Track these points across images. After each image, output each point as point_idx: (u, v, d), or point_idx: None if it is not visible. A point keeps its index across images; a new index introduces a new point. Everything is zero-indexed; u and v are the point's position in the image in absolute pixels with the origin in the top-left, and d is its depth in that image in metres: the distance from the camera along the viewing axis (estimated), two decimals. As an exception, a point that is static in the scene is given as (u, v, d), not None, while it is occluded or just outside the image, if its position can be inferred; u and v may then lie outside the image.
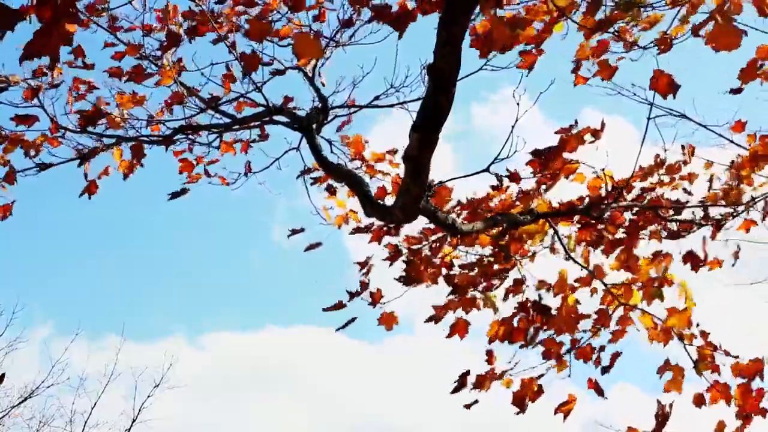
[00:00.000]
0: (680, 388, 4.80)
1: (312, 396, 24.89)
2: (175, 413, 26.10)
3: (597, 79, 4.39)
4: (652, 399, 3.83)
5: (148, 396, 17.08)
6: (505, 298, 5.15)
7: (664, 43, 4.35)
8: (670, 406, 3.48)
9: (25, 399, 16.14)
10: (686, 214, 5.24)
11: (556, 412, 4.87)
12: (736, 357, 4.69)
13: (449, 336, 5.12)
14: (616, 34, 4.28)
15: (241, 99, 5.12)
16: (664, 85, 3.97)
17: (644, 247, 5.22)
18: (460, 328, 5.13)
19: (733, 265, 5.29)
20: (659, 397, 4.52)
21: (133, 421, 16.74)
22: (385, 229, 5.33)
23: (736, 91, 4.82)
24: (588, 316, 5.06)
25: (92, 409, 16.69)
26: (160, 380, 17.24)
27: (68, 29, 2.94)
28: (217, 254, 30.18)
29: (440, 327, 5.11)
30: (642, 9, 4.26)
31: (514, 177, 4.79)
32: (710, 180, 5.25)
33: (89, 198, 5.24)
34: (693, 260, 5.15)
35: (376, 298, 5.18)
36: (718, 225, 5.18)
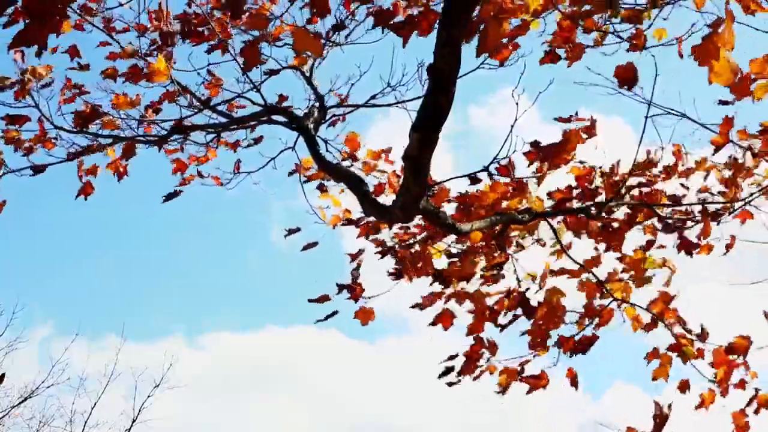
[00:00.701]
0: (667, 375, 4.87)
1: (312, 396, 24.94)
2: (174, 413, 26.05)
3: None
4: (653, 399, 3.85)
5: (149, 396, 17.12)
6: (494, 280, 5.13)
7: (638, 39, 4.38)
8: (669, 406, 3.50)
9: (25, 399, 16.15)
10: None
11: (525, 387, 4.88)
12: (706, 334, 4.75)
13: (433, 324, 5.06)
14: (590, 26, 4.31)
15: (239, 99, 5.11)
16: (625, 76, 4.01)
17: (638, 239, 5.26)
18: (445, 318, 5.08)
19: (725, 254, 5.31)
20: (658, 396, 4.54)
21: (133, 421, 16.76)
22: (371, 224, 5.32)
23: (725, 102, 4.88)
24: (575, 312, 5.08)
25: (92, 409, 16.73)
26: (160, 380, 17.28)
27: (59, 21, 2.93)
28: (215, 254, 30.19)
29: (438, 326, 5.11)
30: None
31: (505, 171, 4.76)
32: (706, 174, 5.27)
33: (85, 199, 5.24)
34: (687, 246, 5.15)
35: (356, 293, 5.13)
36: (714, 216, 5.19)
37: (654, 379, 4.99)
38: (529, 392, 4.95)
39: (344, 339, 28.79)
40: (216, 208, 31.41)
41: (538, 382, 4.92)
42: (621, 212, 5.13)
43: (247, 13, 4.69)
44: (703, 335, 4.92)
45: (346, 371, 26.62)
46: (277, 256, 30.63)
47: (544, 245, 5.16)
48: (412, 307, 5.15)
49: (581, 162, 4.91)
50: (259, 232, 31.10)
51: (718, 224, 5.16)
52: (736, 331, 4.80)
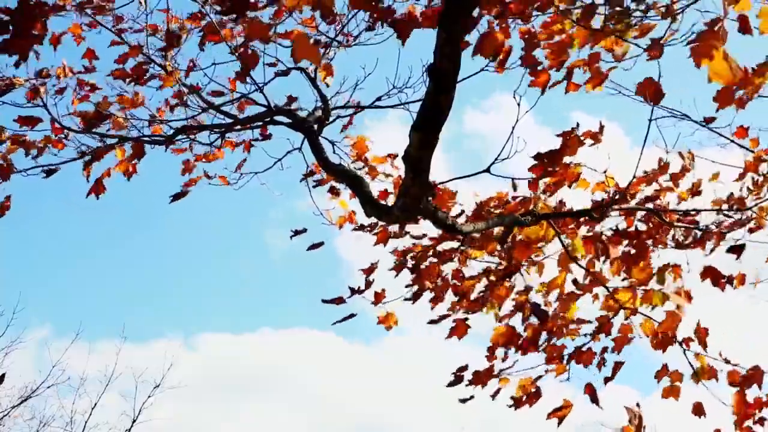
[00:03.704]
0: (678, 394, 4.79)
1: (308, 397, 25.00)
2: (172, 415, 25.97)
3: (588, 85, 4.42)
4: (649, 402, 3.80)
5: (149, 396, 17.17)
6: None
7: (655, 50, 4.35)
8: (638, 405, 3.44)
9: (25, 399, 16.18)
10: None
11: (549, 417, 4.86)
12: (735, 364, 4.65)
13: (448, 337, 5.12)
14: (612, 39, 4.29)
15: (243, 99, 5.13)
16: (651, 92, 3.98)
17: (654, 258, 5.20)
18: (459, 330, 5.13)
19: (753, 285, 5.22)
20: (636, 403, 4.47)
21: (134, 421, 16.81)
22: (390, 232, 5.34)
23: (710, 120, 4.83)
24: (588, 322, 5.05)
25: (92, 409, 16.77)
26: (161, 381, 17.32)
27: (39, 32, 2.97)
28: (211, 256, 30.38)
29: (435, 327, 5.12)
30: (633, 18, 4.26)
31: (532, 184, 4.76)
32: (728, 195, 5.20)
33: (97, 198, 5.26)
34: (713, 275, 5.03)
35: (378, 298, 5.21)
36: (737, 251, 5.09)
37: (665, 397, 4.93)
38: (549, 417, 4.89)
39: (339, 340, 28.94)
40: (212, 209, 31.63)
41: (561, 413, 4.85)
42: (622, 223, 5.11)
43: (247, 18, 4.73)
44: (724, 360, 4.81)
45: (342, 372, 26.77)
46: (270, 259, 30.74)
47: (568, 269, 5.13)
48: (429, 323, 5.19)
49: (593, 171, 4.89)
50: (255, 235, 31.31)
51: (738, 258, 5.08)
52: (737, 333, 4.70)
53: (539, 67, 4.25)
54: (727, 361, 4.75)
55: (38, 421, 16.33)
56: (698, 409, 4.85)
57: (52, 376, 16.45)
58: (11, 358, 16.31)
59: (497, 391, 4.98)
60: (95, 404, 16.79)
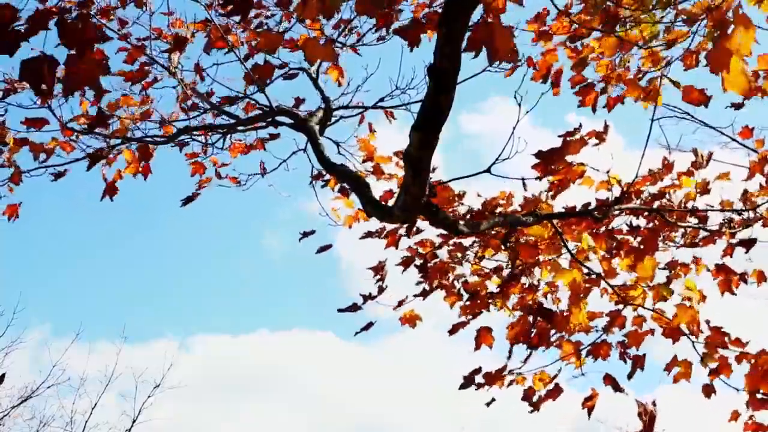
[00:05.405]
0: (689, 376, 4.76)
1: (308, 397, 25.08)
2: (170, 415, 25.94)
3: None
4: (649, 399, 3.75)
5: (149, 396, 17.22)
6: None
7: (690, 59, 4.35)
8: (654, 403, 3.39)
9: (25, 399, 16.24)
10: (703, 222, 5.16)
11: (583, 407, 4.85)
12: (745, 344, 4.61)
13: (476, 348, 5.09)
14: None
15: (249, 101, 5.15)
16: (697, 97, 3.98)
17: (663, 254, 5.19)
18: (484, 338, 5.09)
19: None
20: (646, 396, 4.43)
21: (134, 421, 16.87)
22: (399, 233, 5.33)
23: (738, 105, 4.81)
24: (600, 315, 5.02)
25: (92, 409, 16.83)
26: (161, 381, 17.39)
27: (99, 57, 2.94)
28: (210, 257, 30.54)
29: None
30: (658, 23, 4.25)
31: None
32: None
33: (111, 200, 5.29)
34: (726, 274, 4.99)
35: (401, 302, 5.23)
36: (748, 245, 5.06)
37: (675, 381, 4.90)
38: (583, 407, 4.88)
39: (339, 341, 28.91)
40: (210, 210, 31.89)
41: (591, 402, 4.85)
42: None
43: (257, 25, 4.76)
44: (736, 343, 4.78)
45: (342, 372, 26.87)
46: (270, 259, 30.83)
47: (578, 269, 5.11)
48: (451, 333, 5.19)
49: (596, 171, 4.88)
50: (253, 236, 31.42)
51: (747, 252, 5.06)
52: (738, 332, 4.68)
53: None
54: (738, 342, 4.72)
55: (38, 421, 16.44)
56: (708, 391, 4.83)
57: (52, 376, 16.55)
58: (11, 358, 16.45)
59: (527, 394, 4.96)
60: (95, 404, 16.90)
